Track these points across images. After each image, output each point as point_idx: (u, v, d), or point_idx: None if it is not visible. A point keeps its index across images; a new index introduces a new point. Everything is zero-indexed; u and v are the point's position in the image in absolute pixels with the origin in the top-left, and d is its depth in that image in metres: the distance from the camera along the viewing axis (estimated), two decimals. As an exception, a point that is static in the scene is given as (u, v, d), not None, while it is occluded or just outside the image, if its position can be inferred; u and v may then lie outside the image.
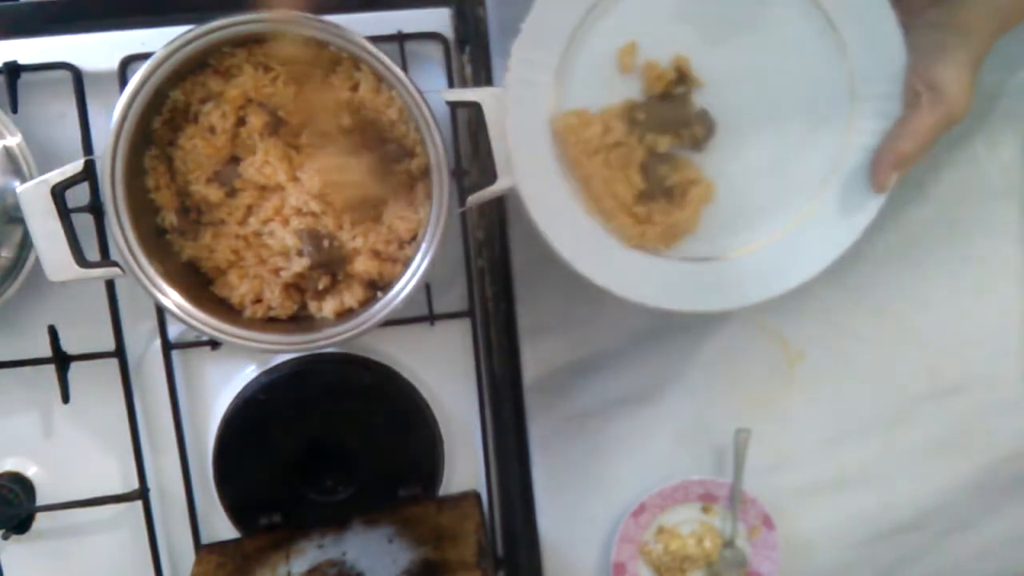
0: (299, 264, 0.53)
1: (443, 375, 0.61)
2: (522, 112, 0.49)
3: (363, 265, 0.53)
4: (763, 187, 0.51)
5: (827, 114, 0.50)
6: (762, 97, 0.50)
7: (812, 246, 0.51)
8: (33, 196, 0.48)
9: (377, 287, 0.54)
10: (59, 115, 0.55)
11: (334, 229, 0.53)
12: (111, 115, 0.48)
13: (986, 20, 0.46)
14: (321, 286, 0.54)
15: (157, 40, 0.49)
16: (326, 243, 0.53)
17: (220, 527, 0.61)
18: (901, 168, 0.49)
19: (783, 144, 0.51)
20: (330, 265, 0.54)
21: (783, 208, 0.51)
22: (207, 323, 0.51)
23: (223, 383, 0.60)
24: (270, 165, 0.52)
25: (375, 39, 0.49)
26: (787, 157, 0.51)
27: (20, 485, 0.58)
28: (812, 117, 0.50)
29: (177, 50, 0.48)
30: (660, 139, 0.50)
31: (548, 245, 0.50)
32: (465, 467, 0.63)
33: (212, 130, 0.52)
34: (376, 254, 0.54)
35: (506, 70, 0.48)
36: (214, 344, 0.59)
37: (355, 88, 0.52)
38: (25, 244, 0.54)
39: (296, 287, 0.55)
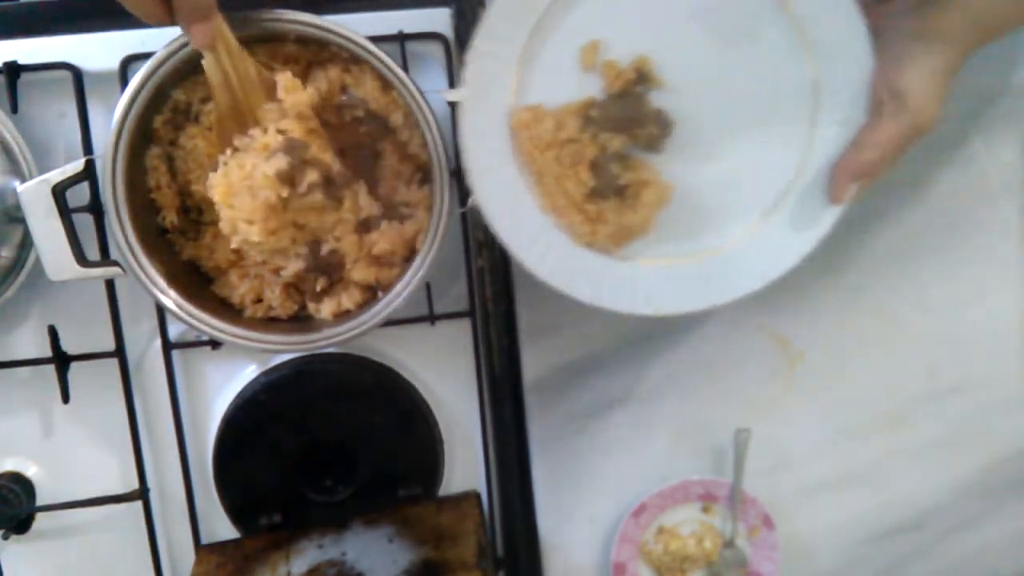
0: (295, 264, 0.53)
1: (443, 375, 0.61)
2: (481, 105, 0.48)
3: (360, 273, 0.53)
4: (720, 194, 0.50)
5: (790, 121, 0.49)
6: (725, 101, 0.49)
7: (764, 256, 0.50)
8: (34, 196, 0.48)
9: (376, 289, 0.54)
10: (59, 115, 0.55)
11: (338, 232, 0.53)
12: (111, 115, 0.49)
13: (960, 31, 0.45)
14: (319, 288, 0.54)
15: (158, 40, 0.49)
16: (324, 248, 0.53)
17: (220, 527, 0.61)
18: (862, 180, 0.47)
19: (743, 150, 0.49)
20: (327, 269, 0.53)
21: (739, 217, 0.50)
22: (207, 323, 0.52)
23: (223, 383, 0.60)
24: None
25: (376, 39, 0.49)
26: (747, 163, 0.50)
27: (20, 485, 0.58)
28: (774, 124, 0.49)
29: (178, 50, 0.48)
30: (614, 138, 0.49)
31: (498, 238, 0.49)
32: (465, 467, 0.63)
33: (213, 129, 0.52)
34: (374, 260, 0.54)
35: (465, 63, 0.47)
36: (214, 344, 0.59)
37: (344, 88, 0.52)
38: (25, 244, 0.54)
39: (296, 287, 0.55)
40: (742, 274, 0.50)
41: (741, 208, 0.50)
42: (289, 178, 0.45)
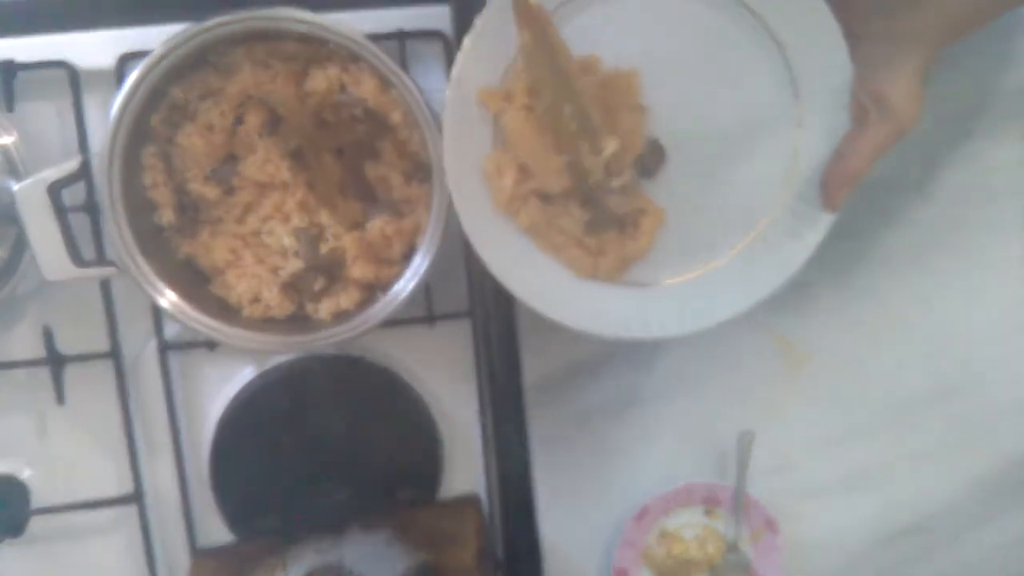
0: (294, 264, 0.53)
1: (443, 375, 0.61)
2: (460, 152, 0.47)
3: (360, 270, 0.53)
4: (712, 209, 0.50)
5: (774, 132, 0.49)
6: (707, 119, 0.48)
7: (765, 266, 0.49)
8: (29, 194, 0.48)
9: (376, 288, 0.54)
10: (55, 113, 0.55)
11: (336, 230, 0.53)
12: (107, 113, 0.48)
13: (933, 30, 0.45)
14: (317, 287, 0.53)
15: (155, 38, 0.49)
16: (323, 247, 0.53)
17: (216, 531, 0.60)
18: (852, 186, 0.48)
19: (730, 166, 0.49)
20: (328, 268, 0.53)
21: (734, 229, 0.50)
22: (204, 323, 0.51)
23: (220, 384, 0.59)
24: (271, 163, 0.52)
25: (375, 37, 0.49)
26: (735, 179, 0.49)
27: (14, 488, 0.58)
28: (758, 136, 0.49)
29: (176, 47, 0.48)
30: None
31: (497, 281, 0.48)
32: (465, 468, 0.62)
33: (210, 127, 0.52)
34: (374, 256, 0.53)
35: (444, 106, 0.46)
36: (211, 345, 0.58)
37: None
38: (20, 243, 0.54)
39: (294, 287, 0.54)
40: (745, 286, 0.50)
41: (735, 221, 0.50)
42: None
